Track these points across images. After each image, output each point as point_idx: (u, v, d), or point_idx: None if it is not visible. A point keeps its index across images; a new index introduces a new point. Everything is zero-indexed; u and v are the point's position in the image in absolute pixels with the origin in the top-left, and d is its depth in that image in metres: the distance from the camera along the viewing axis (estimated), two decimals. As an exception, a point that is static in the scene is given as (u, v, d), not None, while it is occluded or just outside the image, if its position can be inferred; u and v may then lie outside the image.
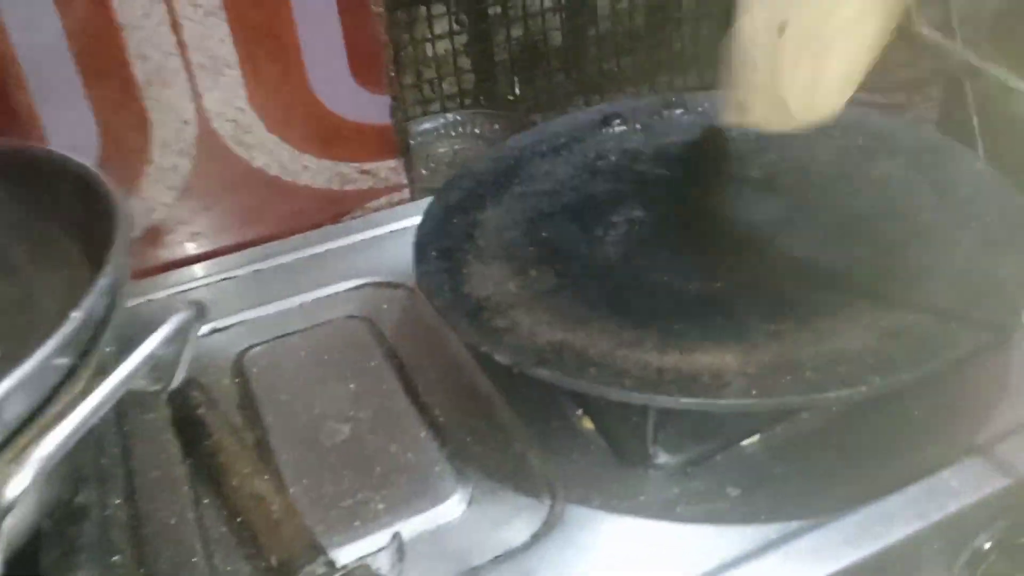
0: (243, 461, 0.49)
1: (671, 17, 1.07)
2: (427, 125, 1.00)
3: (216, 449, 0.50)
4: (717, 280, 0.55)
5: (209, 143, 0.67)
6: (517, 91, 1.11)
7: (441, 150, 1.00)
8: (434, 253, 0.58)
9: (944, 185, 0.59)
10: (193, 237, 0.69)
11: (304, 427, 0.54)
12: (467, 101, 1.08)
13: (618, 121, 0.72)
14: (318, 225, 0.73)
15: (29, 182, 0.50)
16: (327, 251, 0.71)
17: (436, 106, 1.04)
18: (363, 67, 0.69)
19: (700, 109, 0.72)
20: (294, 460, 0.52)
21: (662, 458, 0.49)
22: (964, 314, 0.47)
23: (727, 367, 0.46)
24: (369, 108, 0.71)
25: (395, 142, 0.73)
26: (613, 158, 0.69)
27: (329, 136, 0.71)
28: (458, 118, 1.04)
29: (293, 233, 0.72)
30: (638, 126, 0.72)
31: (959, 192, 0.58)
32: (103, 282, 0.40)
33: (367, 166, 0.74)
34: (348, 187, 0.73)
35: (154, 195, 0.67)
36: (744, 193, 0.64)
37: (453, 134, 1.03)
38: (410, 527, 0.47)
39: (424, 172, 0.93)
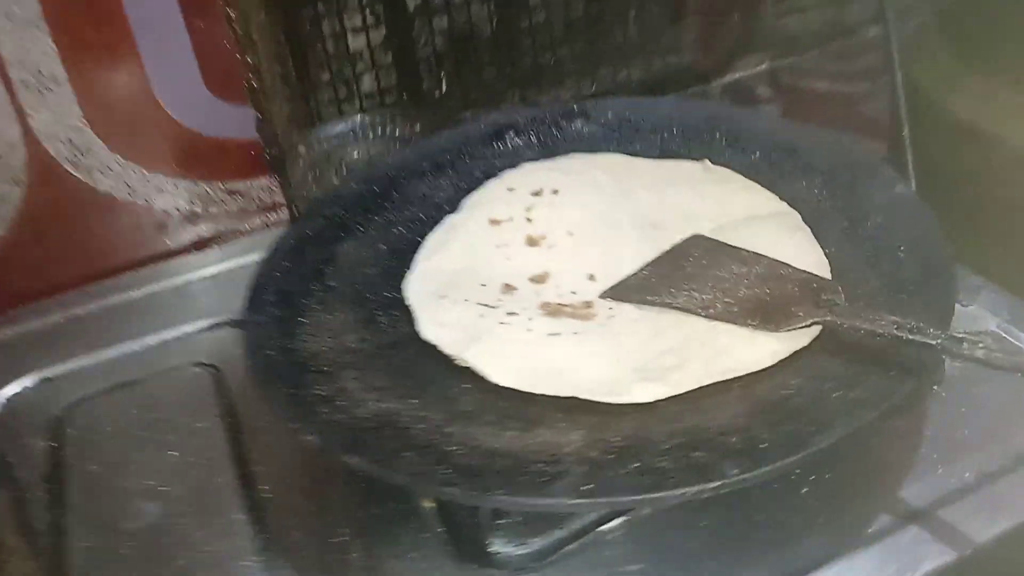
0: (18, 559, 0.42)
1: (612, 5, 0.98)
2: (340, 128, 0.91)
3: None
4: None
5: (42, 167, 0.59)
6: (444, 87, 1.03)
7: (356, 155, 0.92)
8: (271, 297, 0.50)
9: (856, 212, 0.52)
10: (32, 272, 0.62)
11: (108, 507, 0.47)
12: (389, 99, 1.00)
13: (512, 133, 0.64)
14: (180, 252, 0.66)
15: None
16: (187, 283, 0.64)
17: (355, 105, 0.97)
18: (218, 77, 0.62)
19: (603, 120, 0.64)
20: (87, 551, 0.44)
21: (501, 551, 0.41)
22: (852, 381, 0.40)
23: (569, 448, 0.39)
24: (230, 121, 0.63)
25: (267, 158, 0.66)
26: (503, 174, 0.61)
27: (185, 154, 0.63)
28: (376, 119, 0.96)
29: (150, 262, 0.65)
30: (534, 139, 0.64)
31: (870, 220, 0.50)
32: None
33: (234, 185, 0.66)
34: (214, 209, 0.66)
35: (-18, 226, 0.60)
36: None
37: (369, 136, 0.95)
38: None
39: (336, 183, 0.85)
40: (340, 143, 0.87)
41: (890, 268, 0.48)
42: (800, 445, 0.37)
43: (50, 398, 0.55)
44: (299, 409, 0.42)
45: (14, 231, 0.60)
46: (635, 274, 0.50)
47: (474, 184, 0.61)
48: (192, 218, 0.65)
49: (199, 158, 0.64)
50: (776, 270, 0.48)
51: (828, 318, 0.43)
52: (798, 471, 0.45)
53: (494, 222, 0.55)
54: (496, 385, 0.44)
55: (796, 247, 0.51)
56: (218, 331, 0.59)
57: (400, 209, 0.59)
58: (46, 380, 0.56)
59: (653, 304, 0.47)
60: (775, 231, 0.52)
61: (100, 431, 0.52)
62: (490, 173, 0.61)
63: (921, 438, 0.47)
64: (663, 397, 0.41)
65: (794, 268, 0.48)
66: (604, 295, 0.49)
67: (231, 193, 0.66)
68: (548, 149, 0.63)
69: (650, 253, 0.52)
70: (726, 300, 0.46)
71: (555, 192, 0.57)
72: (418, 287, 0.50)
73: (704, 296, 0.47)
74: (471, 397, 0.43)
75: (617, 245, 0.53)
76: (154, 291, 0.63)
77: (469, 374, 0.45)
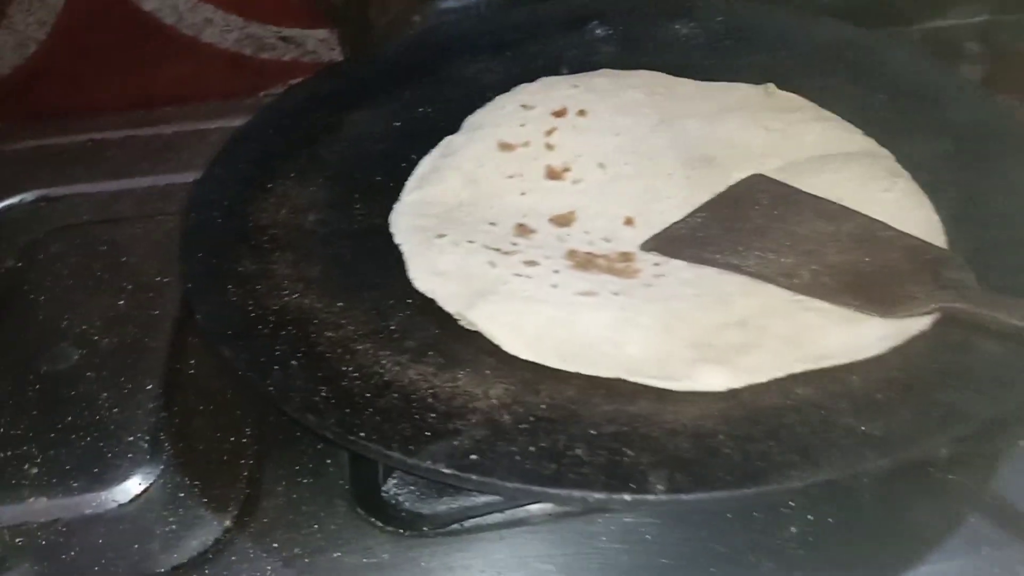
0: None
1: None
2: (449, 3, 0.82)
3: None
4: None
5: (86, -28, 0.55)
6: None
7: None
8: (250, 153, 0.44)
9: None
10: (66, 86, 0.59)
11: (36, 343, 0.43)
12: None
13: (596, 23, 0.54)
14: (223, 96, 0.61)
15: None
16: (217, 129, 0.59)
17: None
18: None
19: (709, 25, 0.52)
20: (-1, 384, 0.41)
21: (396, 502, 0.34)
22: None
23: (482, 404, 0.31)
24: (293, -44, 0.57)
25: (325, 7, 0.59)
26: (566, 71, 0.51)
27: (240, -14, 0.57)
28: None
29: (190, 101, 0.60)
30: (618, 34, 0.53)
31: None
32: None
33: (288, 32, 0.60)
34: (264, 55, 0.60)
35: (23, 28, 0.57)
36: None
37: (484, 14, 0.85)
38: (61, 507, 0.36)
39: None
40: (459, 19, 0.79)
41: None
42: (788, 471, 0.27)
43: (40, 218, 0.52)
44: (206, 281, 0.36)
45: (52, 39, 0.57)
46: (686, 221, 0.39)
47: (531, 74, 0.51)
48: (238, 60, 0.60)
49: (256, -6, 0.58)
50: (874, 230, 0.37)
51: (957, 304, 0.32)
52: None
53: (505, 146, 0.44)
54: (435, 309, 0.36)
55: (896, 201, 0.39)
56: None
57: (437, 86, 0.50)
58: (44, 199, 0.54)
59: (714, 264, 0.36)
60: (864, 176, 0.41)
61: (67, 263, 0.48)
62: (553, 66, 0.51)
63: None
64: (737, 386, 0.31)
65: (897, 231, 0.37)
66: (647, 246, 0.38)
67: (284, 40, 0.60)
68: (631, 51, 0.52)
69: (701, 195, 0.41)
70: (812, 267, 0.35)
71: (581, 113, 0.46)
72: (408, 222, 0.40)
73: (784, 260, 0.36)
74: (403, 316, 0.35)
75: (660, 182, 0.42)
76: (182, 130, 0.58)
77: (407, 284, 0.37)
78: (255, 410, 0.39)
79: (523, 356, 0.33)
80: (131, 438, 0.38)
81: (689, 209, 0.41)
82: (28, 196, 0.54)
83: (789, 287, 0.35)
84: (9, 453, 0.38)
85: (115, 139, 0.58)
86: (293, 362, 0.32)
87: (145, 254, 0.49)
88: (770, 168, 0.42)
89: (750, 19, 0.51)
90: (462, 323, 0.34)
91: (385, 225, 0.41)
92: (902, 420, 0.29)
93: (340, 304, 0.36)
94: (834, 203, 0.38)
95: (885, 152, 0.43)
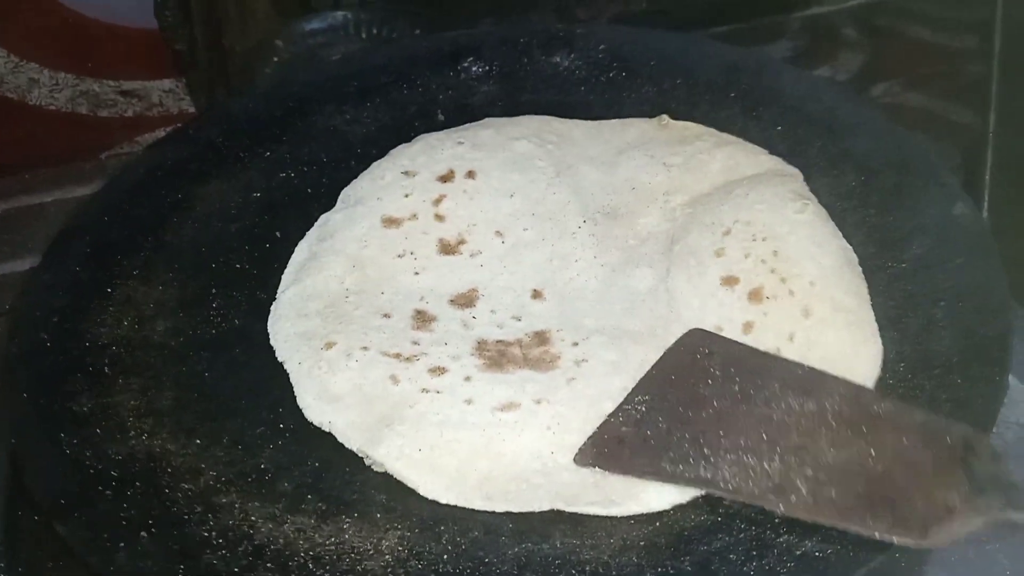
0: None
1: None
2: (325, 22, 0.77)
3: None
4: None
5: None
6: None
7: (335, 58, 0.78)
8: (84, 249, 0.37)
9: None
10: None
11: None
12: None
13: (470, 59, 0.49)
14: (62, 161, 0.54)
15: None
16: (54, 201, 0.52)
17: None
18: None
19: (591, 55, 0.48)
20: None
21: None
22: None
23: (372, 564, 0.27)
24: (123, 3, 0.50)
25: (171, 54, 0.53)
26: (441, 117, 0.47)
27: (67, 40, 0.51)
28: (370, 16, 0.81)
29: (25, 168, 0.53)
30: (495, 69, 0.49)
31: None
32: None
33: (128, 85, 0.53)
34: (104, 113, 0.54)
35: None
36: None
37: (362, 35, 0.79)
38: None
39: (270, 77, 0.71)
40: (326, 40, 0.73)
41: (922, 324, 0.33)
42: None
43: None
44: (34, 433, 0.30)
45: None
46: (625, 412, 0.31)
47: (405, 123, 0.46)
48: (75, 121, 0.53)
49: (85, 47, 0.51)
50: (865, 405, 0.29)
51: (1009, 515, 0.25)
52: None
53: (391, 221, 0.39)
54: (315, 431, 0.31)
55: (809, 224, 0.36)
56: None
57: (299, 144, 0.45)
58: None
59: (680, 481, 0.28)
60: (774, 198, 0.38)
61: None
62: (427, 112, 0.47)
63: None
64: (683, 501, 0.28)
65: (894, 402, 0.29)
66: (583, 460, 0.30)
67: (125, 94, 0.53)
68: (511, 89, 0.47)
69: (610, 254, 0.38)
70: (807, 472, 0.27)
71: (470, 175, 0.41)
72: (288, 328, 0.35)
73: (767, 465, 0.27)
74: (275, 448, 0.31)
75: (564, 245, 0.38)
76: (15, 206, 0.51)
77: (285, 405, 0.32)
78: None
79: (444, 500, 0.28)
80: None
81: (599, 272, 0.37)
82: None
83: (787, 510, 0.26)
84: None
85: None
86: (144, 534, 0.27)
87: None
88: (676, 204, 0.39)
89: (633, 47, 0.48)
90: (367, 462, 0.30)
91: (251, 328, 0.36)
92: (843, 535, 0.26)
93: (197, 442, 0.31)
94: (798, 364, 0.31)
95: (793, 170, 0.40)
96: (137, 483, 0.29)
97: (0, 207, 0.51)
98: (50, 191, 0.52)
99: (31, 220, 0.51)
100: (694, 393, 0.30)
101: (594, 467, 0.29)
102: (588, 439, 0.30)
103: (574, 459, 0.29)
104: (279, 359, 0.34)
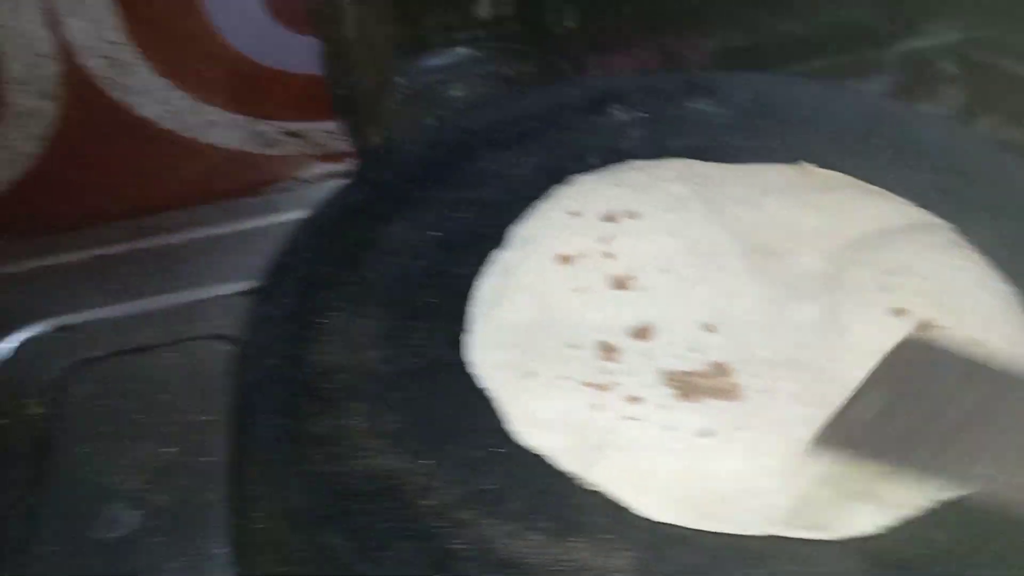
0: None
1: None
2: (436, 61, 0.81)
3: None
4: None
5: (79, 84, 0.53)
6: (569, 23, 0.90)
7: (457, 94, 0.81)
8: (292, 286, 0.42)
9: None
10: (62, 200, 0.56)
11: (86, 505, 0.41)
12: (505, 31, 0.88)
13: (618, 106, 0.53)
14: (230, 196, 0.59)
15: None
16: (229, 234, 0.57)
17: (465, 34, 0.85)
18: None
19: (733, 101, 0.52)
20: (51, 555, 0.39)
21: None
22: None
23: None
24: (290, 52, 0.55)
25: (334, 97, 0.57)
26: (593, 160, 0.51)
27: (240, 85, 0.55)
28: (484, 54, 0.85)
29: (196, 203, 0.58)
30: (643, 115, 0.52)
31: None
32: None
33: (295, 126, 0.58)
34: (270, 151, 0.58)
35: (14, 143, 0.54)
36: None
37: (477, 73, 0.84)
38: None
39: (431, 123, 0.75)
40: (444, 78, 0.77)
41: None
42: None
43: (57, 352, 0.50)
44: (282, 450, 0.35)
45: (46, 152, 0.54)
46: (859, 405, 0.31)
47: (559, 166, 0.50)
48: (245, 159, 0.58)
49: (256, 92, 0.56)
50: None
51: None
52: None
53: (563, 259, 0.43)
54: (529, 455, 0.35)
55: (975, 275, 0.39)
56: (243, 299, 0.52)
57: (464, 187, 0.49)
58: (60, 329, 0.51)
59: (934, 475, 0.28)
60: (931, 247, 0.41)
61: (98, 404, 0.46)
62: (579, 155, 0.50)
63: None
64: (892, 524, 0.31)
65: None
66: (825, 444, 0.30)
67: (291, 135, 0.58)
68: (658, 134, 0.51)
69: (774, 289, 0.41)
70: None
71: (632, 216, 0.44)
72: (488, 357, 0.39)
73: None
74: (498, 469, 0.34)
75: (727, 281, 0.42)
76: (192, 238, 0.56)
77: (497, 431, 0.36)
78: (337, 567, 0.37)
79: (661, 519, 0.32)
80: (212, 613, 0.36)
81: (764, 306, 0.40)
82: (44, 327, 0.51)
83: None
84: (82, 644, 0.36)
85: (121, 253, 0.55)
86: (404, 543, 0.31)
87: (180, 389, 0.47)
88: (831, 246, 0.42)
89: (776, 95, 0.51)
90: (578, 483, 0.33)
91: (450, 358, 0.39)
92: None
93: (425, 463, 0.34)
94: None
95: (943, 222, 0.43)
96: (382, 498, 0.33)
97: (177, 238, 0.56)
98: (222, 224, 0.57)
99: (208, 251, 0.55)
100: (927, 394, 0.30)
101: (838, 451, 0.29)
102: (822, 428, 0.30)
103: (812, 445, 0.30)
104: (482, 387, 0.38)
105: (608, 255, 0.43)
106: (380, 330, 0.41)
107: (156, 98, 0.54)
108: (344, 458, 0.34)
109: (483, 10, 0.79)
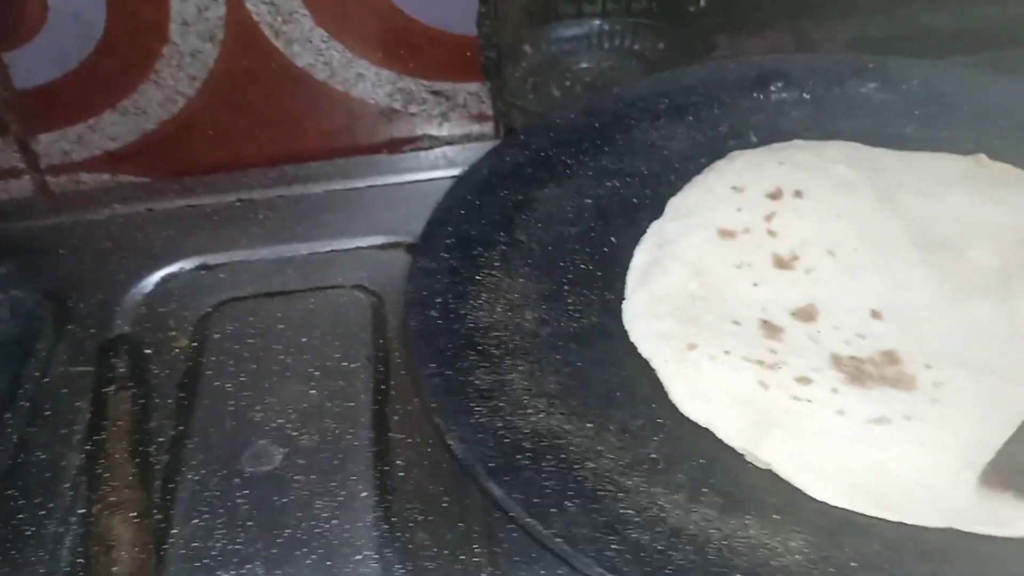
0: (121, 480, 0.38)
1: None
2: (571, 31, 0.80)
3: (101, 452, 0.39)
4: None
5: (241, 28, 0.53)
6: (703, 2, 0.88)
7: (583, 65, 0.80)
8: (448, 240, 0.42)
9: None
10: (215, 141, 0.57)
11: (232, 440, 0.42)
12: (636, 6, 0.87)
13: (780, 84, 0.51)
14: (370, 151, 0.59)
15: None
16: (369, 188, 0.56)
17: (596, 6, 0.84)
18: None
19: (904, 88, 0.49)
20: (195, 488, 0.40)
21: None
22: None
23: (784, 560, 0.29)
24: (449, 10, 0.54)
25: (479, 60, 0.57)
26: (754, 138, 0.49)
27: (394, 40, 0.55)
28: (613, 27, 0.83)
29: (337, 155, 0.58)
30: (806, 95, 0.50)
31: None
32: None
33: (440, 86, 0.57)
34: (413, 108, 0.58)
35: (172, 83, 0.55)
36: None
37: (605, 46, 0.82)
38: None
39: (556, 93, 0.74)
40: (571, 49, 0.75)
41: None
42: None
43: (202, 289, 0.51)
44: (450, 400, 0.34)
45: (203, 93, 0.55)
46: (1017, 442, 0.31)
47: (718, 141, 0.49)
48: (388, 114, 0.58)
49: (408, 48, 0.55)
50: None
51: None
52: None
53: (726, 234, 0.42)
54: (691, 426, 0.34)
55: None
56: (388, 252, 0.52)
57: (620, 156, 0.48)
58: (203, 267, 0.52)
59: None
60: None
61: (244, 344, 0.47)
62: (739, 133, 0.49)
63: None
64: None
65: None
66: (992, 484, 0.30)
67: (435, 94, 0.58)
68: (822, 116, 0.49)
69: (947, 284, 0.39)
70: None
71: (797, 195, 0.43)
72: (647, 326, 0.38)
73: None
74: (660, 440, 0.33)
75: (897, 269, 0.40)
76: (333, 189, 0.56)
77: (661, 399, 0.35)
78: (481, 521, 0.37)
79: (834, 503, 0.31)
80: (358, 556, 0.37)
81: (935, 298, 0.39)
82: (187, 264, 0.52)
83: None
84: (234, 573, 0.36)
85: (265, 199, 0.56)
86: (568, 504, 0.30)
87: (324, 334, 0.47)
88: (1008, 241, 0.40)
89: (950, 84, 0.49)
90: (748, 459, 0.32)
91: (607, 324, 0.39)
92: None
93: (589, 425, 0.34)
94: None
95: None
96: (547, 456, 0.32)
97: (320, 188, 0.57)
98: (364, 178, 0.57)
99: (349, 204, 0.56)
100: None
101: (1006, 492, 0.30)
102: (990, 464, 0.31)
103: (979, 480, 0.31)
104: (643, 356, 0.37)
105: (771, 233, 0.42)
106: (534, 292, 0.41)
107: (312, 48, 0.55)
108: (509, 415, 0.34)
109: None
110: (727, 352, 0.36)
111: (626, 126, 0.49)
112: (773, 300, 0.39)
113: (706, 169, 0.46)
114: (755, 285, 0.40)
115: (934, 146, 0.47)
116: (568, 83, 0.72)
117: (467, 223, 0.43)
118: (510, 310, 0.39)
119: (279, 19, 0.53)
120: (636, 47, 0.75)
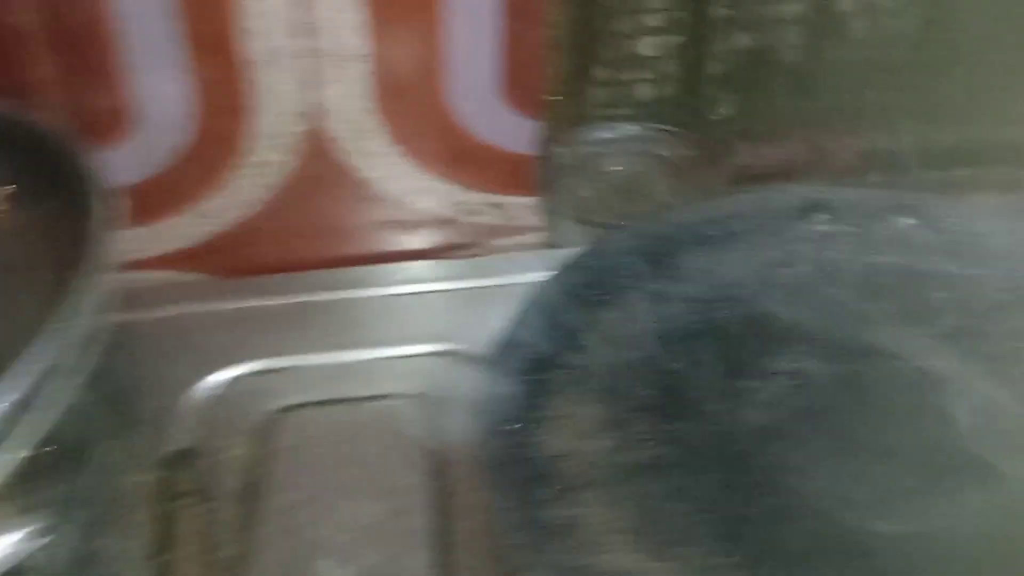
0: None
1: (952, 53, 0.83)
2: (604, 134, 0.84)
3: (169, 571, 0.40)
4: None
5: (318, 143, 0.56)
6: (723, 111, 0.92)
7: (613, 168, 0.84)
8: (523, 364, 0.44)
9: None
10: (277, 247, 0.59)
11: (295, 557, 0.42)
12: (662, 113, 0.91)
13: (824, 217, 0.54)
14: (426, 256, 0.61)
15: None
16: (426, 293, 0.59)
17: (624, 112, 0.88)
18: (515, 83, 0.55)
19: (942, 226, 0.52)
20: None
21: None
22: None
23: None
24: (511, 132, 0.57)
25: (535, 175, 0.59)
26: (803, 268, 0.51)
27: (458, 158, 0.58)
28: (642, 132, 0.87)
29: (394, 260, 0.60)
30: (849, 228, 0.53)
31: None
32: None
33: (497, 199, 0.60)
34: (470, 220, 0.60)
35: (247, 192, 0.57)
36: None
37: (633, 151, 0.86)
38: None
39: (584, 195, 0.78)
40: (601, 151, 0.80)
41: None
42: None
43: (263, 394, 0.52)
44: (527, 536, 0.36)
45: (273, 200, 0.58)
46: None
47: (766, 267, 0.51)
48: (448, 224, 0.60)
49: (471, 165, 0.58)
50: None
51: None
52: None
53: None
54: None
55: None
56: (442, 360, 0.54)
57: (675, 280, 0.50)
58: (267, 371, 0.54)
59: None
60: None
61: (305, 453, 0.48)
62: (786, 262, 0.52)
63: None
64: None
65: None
66: None
67: (492, 206, 0.60)
68: (863, 248, 0.52)
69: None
70: None
71: None
72: None
73: None
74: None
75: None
76: (388, 294, 0.59)
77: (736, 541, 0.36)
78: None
79: None
80: None
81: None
82: (253, 366, 0.53)
83: None
84: None
85: (322, 302, 0.58)
86: (651, 648, 0.32)
87: (380, 446, 0.48)
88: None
89: (988, 224, 0.51)
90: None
91: (675, 455, 0.40)
92: None
93: (667, 564, 0.35)
94: None
95: None
96: (626, 596, 0.34)
97: (380, 292, 0.59)
98: (427, 283, 0.59)
99: (413, 307, 0.57)
100: None
101: None
102: None
103: None
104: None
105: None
106: (602, 419, 0.42)
107: (383, 163, 0.57)
108: (583, 553, 0.35)
109: (645, 92, 0.83)
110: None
111: (679, 250, 0.51)
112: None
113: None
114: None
115: (974, 285, 0.49)
116: (599, 184, 0.76)
117: (537, 346, 0.45)
118: (580, 438, 0.41)
119: (356, 135, 0.56)
120: (662, 151, 0.79)
